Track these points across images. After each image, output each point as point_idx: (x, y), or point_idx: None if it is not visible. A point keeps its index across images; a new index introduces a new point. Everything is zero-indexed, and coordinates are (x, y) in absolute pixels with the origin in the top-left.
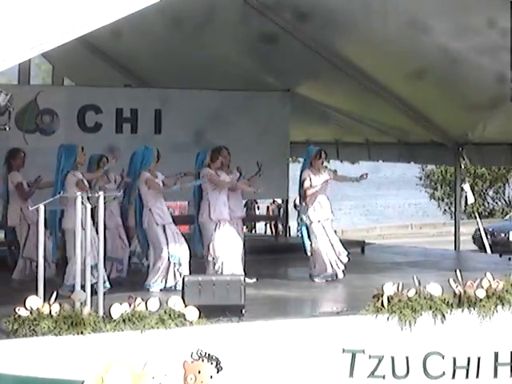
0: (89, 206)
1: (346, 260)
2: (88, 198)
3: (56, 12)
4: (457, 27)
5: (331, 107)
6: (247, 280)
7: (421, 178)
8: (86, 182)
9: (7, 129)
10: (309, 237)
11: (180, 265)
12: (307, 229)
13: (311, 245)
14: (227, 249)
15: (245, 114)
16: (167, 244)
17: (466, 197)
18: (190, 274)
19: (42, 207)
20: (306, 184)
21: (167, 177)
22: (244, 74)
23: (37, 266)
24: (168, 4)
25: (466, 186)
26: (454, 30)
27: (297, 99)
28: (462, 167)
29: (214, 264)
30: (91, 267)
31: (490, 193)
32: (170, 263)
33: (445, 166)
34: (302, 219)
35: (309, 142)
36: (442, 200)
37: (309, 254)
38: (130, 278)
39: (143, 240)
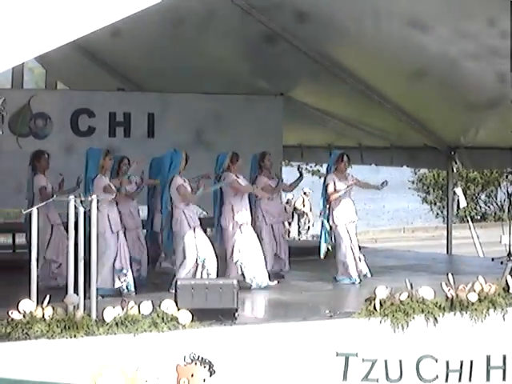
0: (82, 210)
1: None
2: (81, 201)
3: (51, 15)
4: (451, 32)
5: (324, 111)
6: (269, 283)
7: (413, 182)
8: (113, 187)
9: (1, 132)
10: (330, 240)
11: (204, 267)
12: (328, 232)
13: (328, 248)
14: (249, 252)
15: (238, 118)
16: (196, 246)
17: (458, 200)
18: (217, 275)
19: (35, 211)
20: (330, 189)
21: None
22: (237, 77)
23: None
24: (161, 8)
25: (459, 190)
26: (449, 35)
27: (290, 103)
28: (455, 171)
29: (237, 267)
30: (119, 271)
31: (483, 197)
32: (197, 265)
33: (437, 169)
34: (323, 223)
35: (301, 145)
36: (435, 204)
37: (322, 256)
38: (152, 279)
39: (168, 242)
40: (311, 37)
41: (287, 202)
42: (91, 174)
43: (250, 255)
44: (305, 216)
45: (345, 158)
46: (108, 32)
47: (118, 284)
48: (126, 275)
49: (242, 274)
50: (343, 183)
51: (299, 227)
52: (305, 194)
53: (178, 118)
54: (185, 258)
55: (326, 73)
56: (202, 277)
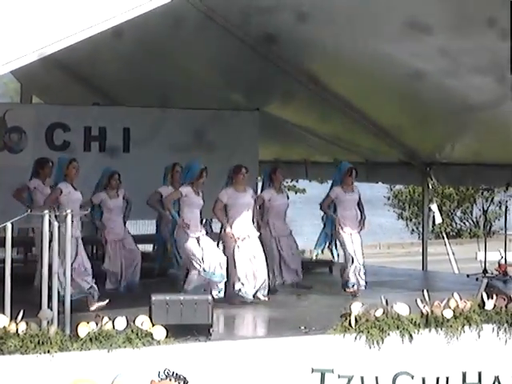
0: (56, 224)
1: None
2: (56, 216)
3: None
4: (428, 49)
5: (300, 126)
6: (262, 298)
7: (389, 198)
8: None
9: None
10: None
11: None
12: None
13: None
14: (247, 265)
15: (214, 133)
16: (201, 254)
17: (433, 217)
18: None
19: (9, 225)
20: (327, 202)
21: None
22: (213, 92)
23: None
24: (137, 23)
25: (434, 206)
26: (425, 52)
27: (265, 118)
28: (430, 187)
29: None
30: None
31: (458, 213)
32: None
33: (413, 185)
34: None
35: (277, 161)
36: (410, 220)
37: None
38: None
39: (173, 249)
40: (287, 52)
41: None
42: (57, 181)
43: (248, 268)
44: None
45: (353, 172)
46: (84, 46)
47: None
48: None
49: (241, 285)
50: (348, 195)
51: None
52: None
53: (154, 133)
54: (192, 268)
55: (301, 88)
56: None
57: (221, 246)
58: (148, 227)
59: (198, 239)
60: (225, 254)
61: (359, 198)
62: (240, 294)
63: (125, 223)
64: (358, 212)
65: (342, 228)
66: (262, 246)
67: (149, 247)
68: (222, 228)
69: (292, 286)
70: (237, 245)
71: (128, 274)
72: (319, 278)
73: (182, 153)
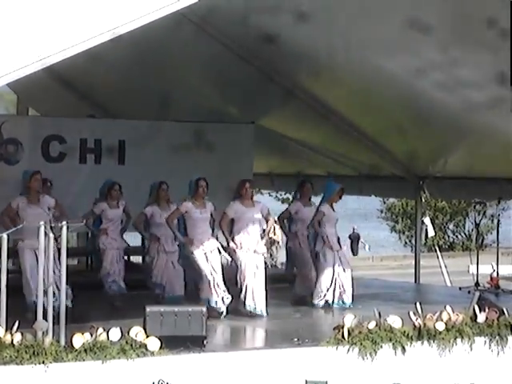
0: (52, 236)
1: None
2: (51, 227)
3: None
4: (418, 63)
5: (294, 140)
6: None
7: (382, 211)
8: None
9: None
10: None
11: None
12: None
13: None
14: (248, 278)
15: (209, 146)
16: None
17: (426, 230)
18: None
19: (4, 237)
20: (318, 217)
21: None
22: (208, 105)
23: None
24: (133, 36)
25: (427, 220)
26: (416, 66)
27: (260, 131)
28: (423, 200)
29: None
30: None
31: (451, 226)
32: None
33: (406, 199)
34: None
35: (271, 173)
36: (403, 233)
37: None
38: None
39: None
40: (282, 65)
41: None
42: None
43: (250, 281)
44: (275, 244)
45: (341, 192)
46: (80, 59)
47: None
48: None
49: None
50: (333, 213)
51: (271, 255)
52: (276, 222)
53: (149, 146)
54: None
55: (296, 102)
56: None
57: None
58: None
59: (205, 254)
60: (231, 266)
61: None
62: (245, 307)
63: (122, 235)
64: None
65: (330, 245)
66: (292, 257)
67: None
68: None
69: None
70: (243, 257)
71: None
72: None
73: (177, 165)
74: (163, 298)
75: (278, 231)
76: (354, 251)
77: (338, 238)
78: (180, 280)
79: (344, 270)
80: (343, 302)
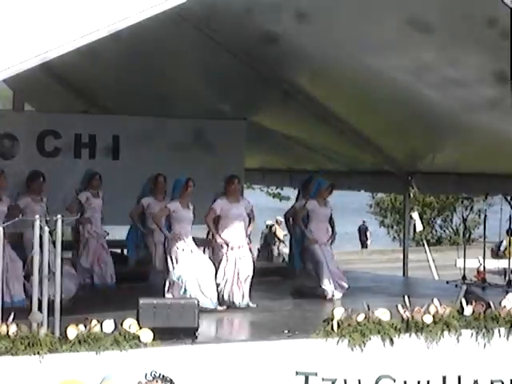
0: (47, 229)
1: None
2: (46, 221)
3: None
4: (409, 61)
5: (285, 136)
6: (251, 305)
7: (371, 206)
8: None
9: None
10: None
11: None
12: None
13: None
14: (234, 274)
15: (200, 142)
16: (177, 263)
17: (414, 224)
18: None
19: (0, 229)
20: (302, 213)
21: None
22: (200, 102)
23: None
24: (128, 33)
25: (415, 214)
26: (406, 64)
27: (252, 127)
28: (411, 195)
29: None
30: None
31: (438, 221)
32: (173, 282)
33: (394, 194)
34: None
35: (263, 169)
36: (392, 227)
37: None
38: None
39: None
40: (273, 62)
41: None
42: None
43: (229, 277)
44: (277, 242)
45: (329, 189)
46: (76, 55)
47: None
48: None
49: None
50: (322, 209)
51: (273, 252)
52: (277, 222)
53: (143, 141)
54: (167, 274)
55: (287, 98)
56: (176, 294)
57: (207, 251)
58: None
59: (187, 253)
60: (213, 261)
61: (331, 214)
62: (229, 300)
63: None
64: (329, 227)
65: (316, 241)
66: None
67: None
68: (208, 234)
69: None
70: (226, 253)
71: (102, 272)
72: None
73: (171, 160)
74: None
75: (280, 231)
76: (363, 243)
77: (332, 235)
78: None
79: (328, 263)
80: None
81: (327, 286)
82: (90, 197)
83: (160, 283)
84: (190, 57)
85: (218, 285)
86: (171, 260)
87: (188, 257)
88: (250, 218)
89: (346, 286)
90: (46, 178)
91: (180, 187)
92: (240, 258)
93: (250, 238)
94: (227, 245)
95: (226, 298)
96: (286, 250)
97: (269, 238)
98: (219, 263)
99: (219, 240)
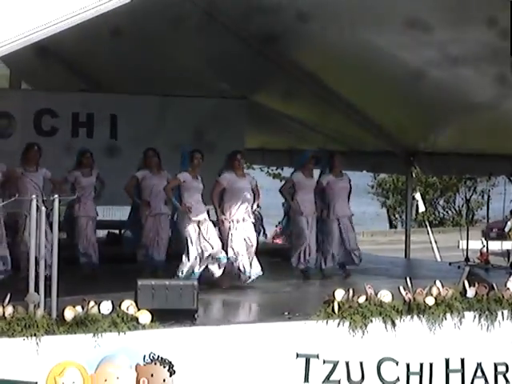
0: (43, 209)
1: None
2: (43, 201)
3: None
4: (411, 41)
5: (285, 115)
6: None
7: (373, 187)
8: None
9: None
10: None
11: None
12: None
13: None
14: (242, 246)
15: (201, 121)
16: (198, 239)
17: (416, 205)
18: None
19: None
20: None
21: None
22: (200, 80)
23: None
24: (126, 10)
25: (417, 195)
26: (409, 44)
27: (252, 107)
28: (414, 176)
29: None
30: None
31: (441, 202)
32: (200, 259)
33: (396, 174)
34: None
35: (263, 149)
36: (394, 208)
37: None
38: None
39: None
40: (274, 41)
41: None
42: None
43: (242, 251)
44: None
45: (313, 160)
46: (73, 33)
47: None
48: None
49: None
50: (308, 180)
51: None
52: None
53: (141, 120)
54: (187, 252)
55: (287, 77)
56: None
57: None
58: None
59: (198, 223)
60: (221, 237)
61: (350, 187)
62: (240, 271)
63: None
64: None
65: (301, 212)
66: (323, 225)
67: None
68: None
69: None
70: (233, 227)
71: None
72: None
73: (168, 138)
74: (147, 260)
75: None
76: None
77: (320, 206)
78: (164, 244)
79: (315, 236)
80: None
81: (295, 258)
82: (80, 176)
83: (145, 261)
84: (190, 35)
85: (228, 259)
86: (186, 241)
87: (195, 228)
88: (255, 194)
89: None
90: (43, 157)
91: (185, 158)
92: (245, 230)
93: (256, 214)
94: (231, 218)
95: (239, 269)
96: None
97: None
98: (227, 240)
99: (221, 217)
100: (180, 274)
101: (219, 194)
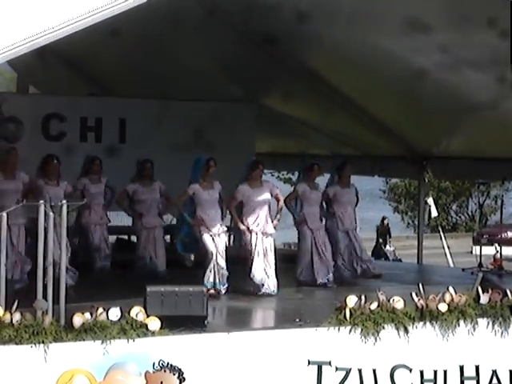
0: (51, 215)
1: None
2: (51, 206)
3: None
4: (424, 45)
5: (297, 119)
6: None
7: (385, 192)
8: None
9: None
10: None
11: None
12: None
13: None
14: (261, 259)
15: (211, 125)
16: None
17: (429, 210)
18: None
19: (4, 215)
20: (292, 196)
21: None
22: (210, 84)
23: None
24: (133, 13)
25: (430, 200)
26: (422, 48)
27: (263, 110)
28: (426, 181)
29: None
30: None
31: (454, 207)
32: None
33: (409, 179)
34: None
35: (274, 153)
36: (406, 213)
37: None
38: None
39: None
40: (285, 44)
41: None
42: None
43: (262, 263)
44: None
45: (315, 167)
46: (80, 37)
47: None
48: None
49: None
50: (313, 193)
51: None
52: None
53: (150, 124)
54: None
55: (298, 80)
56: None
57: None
58: None
59: (212, 236)
60: (240, 247)
61: (357, 196)
62: (260, 283)
63: (106, 211)
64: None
65: (305, 223)
66: (329, 237)
67: None
68: (231, 221)
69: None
70: (252, 238)
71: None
72: None
73: (179, 144)
74: (146, 272)
75: None
76: None
77: (321, 218)
78: (162, 255)
79: (321, 249)
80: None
81: (298, 270)
82: (89, 183)
83: (142, 270)
84: (199, 38)
85: (252, 273)
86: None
87: (211, 240)
88: (278, 201)
89: (331, 279)
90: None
91: (200, 168)
92: (264, 244)
93: (278, 220)
94: (250, 232)
95: (262, 284)
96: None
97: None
98: (249, 251)
99: (242, 226)
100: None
101: (237, 207)
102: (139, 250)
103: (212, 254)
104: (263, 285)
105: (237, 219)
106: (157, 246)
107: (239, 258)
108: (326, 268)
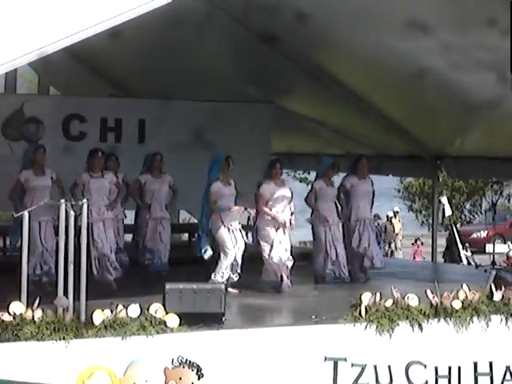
0: (72, 213)
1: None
2: (72, 205)
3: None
4: (436, 44)
5: (312, 119)
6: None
7: (399, 190)
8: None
9: None
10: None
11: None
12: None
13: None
14: (279, 255)
15: (228, 125)
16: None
17: (443, 209)
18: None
19: (26, 214)
20: (312, 193)
21: None
22: (227, 85)
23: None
24: (154, 14)
25: (444, 199)
26: (432, 47)
27: (279, 111)
28: (440, 180)
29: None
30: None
31: (467, 205)
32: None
33: (423, 178)
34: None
35: (290, 153)
36: (420, 212)
37: None
38: None
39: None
40: (301, 44)
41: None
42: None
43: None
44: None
45: (333, 167)
46: (101, 38)
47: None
48: None
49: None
50: (329, 189)
51: None
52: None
53: (169, 125)
54: (223, 257)
55: (314, 81)
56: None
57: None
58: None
59: (230, 230)
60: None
61: (373, 190)
62: (280, 262)
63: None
64: (337, 205)
65: (322, 220)
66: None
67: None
68: (248, 218)
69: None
70: (275, 235)
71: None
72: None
73: (197, 142)
74: (150, 266)
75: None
76: None
77: (338, 214)
78: (166, 248)
79: (335, 245)
80: (340, 276)
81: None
82: (89, 179)
83: (149, 265)
84: (216, 39)
85: (271, 256)
86: (222, 247)
87: (229, 235)
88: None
89: (346, 275)
90: (71, 163)
91: (219, 164)
92: (286, 240)
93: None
94: (278, 222)
95: (282, 278)
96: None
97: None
98: (270, 244)
99: (273, 215)
100: (214, 278)
101: (265, 204)
102: (145, 243)
103: (229, 248)
104: (282, 277)
105: (267, 211)
106: (162, 238)
107: (255, 255)
108: (341, 264)
